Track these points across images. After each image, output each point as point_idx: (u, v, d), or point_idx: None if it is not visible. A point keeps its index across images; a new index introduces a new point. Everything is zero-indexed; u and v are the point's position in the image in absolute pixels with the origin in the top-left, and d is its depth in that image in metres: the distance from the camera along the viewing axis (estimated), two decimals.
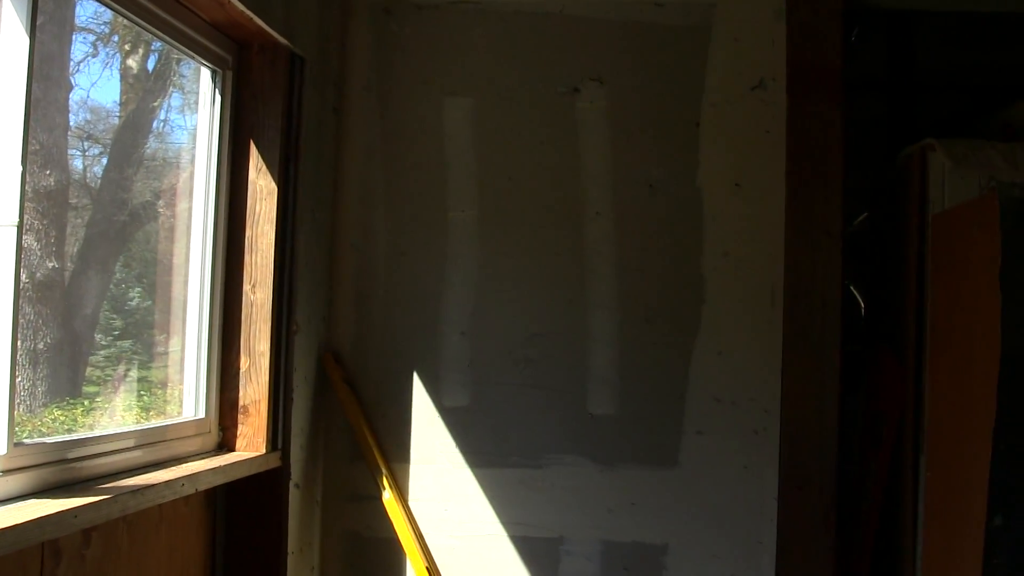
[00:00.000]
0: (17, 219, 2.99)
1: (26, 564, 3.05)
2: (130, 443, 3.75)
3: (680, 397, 5.04)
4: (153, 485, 3.48)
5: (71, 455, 3.38)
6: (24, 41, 3.03)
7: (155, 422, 4.22)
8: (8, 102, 3.03)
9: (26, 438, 3.21)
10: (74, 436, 3.58)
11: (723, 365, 5.04)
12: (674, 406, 5.04)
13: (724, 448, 5.01)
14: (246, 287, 4.41)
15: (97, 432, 3.78)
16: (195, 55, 4.19)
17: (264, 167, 4.40)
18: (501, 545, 5.07)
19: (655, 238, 5.09)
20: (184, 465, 3.93)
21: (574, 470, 5.06)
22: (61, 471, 3.30)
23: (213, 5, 3.97)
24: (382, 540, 5.07)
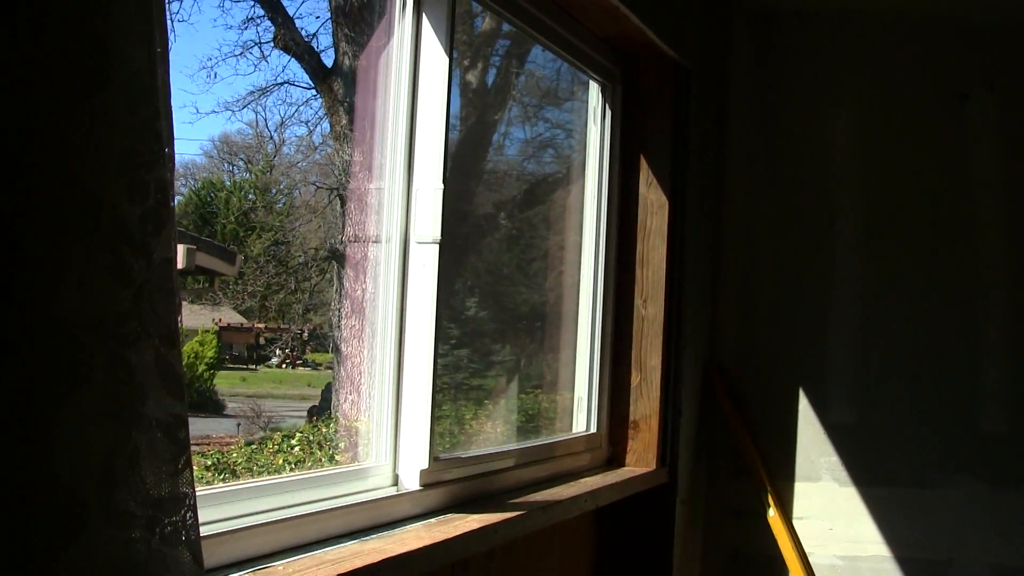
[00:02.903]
0: (439, 236, 3.04)
1: None
2: (526, 458, 3.77)
3: None
4: (560, 501, 3.49)
5: (477, 470, 3.41)
6: (443, 61, 3.07)
7: (548, 437, 4.26)
8: (431, 125, 3.08)
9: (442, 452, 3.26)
10: (479, 451, 3.64)
11: None
12: None
13: None
14: (637, 302, 4.39)
15: (498, 447, 3.83)
16: (586, 68, 4.20)
17: (654, 181, 4.37)
18: (886, 566, 4.90)
19: None
20: (583, 480, 3.94)
21: (963, 490, 4.83)
22: (469, 486, 3.34)
23: (607, 19, 3.96)
24: (764, 557, 4.96)
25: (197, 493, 2.33)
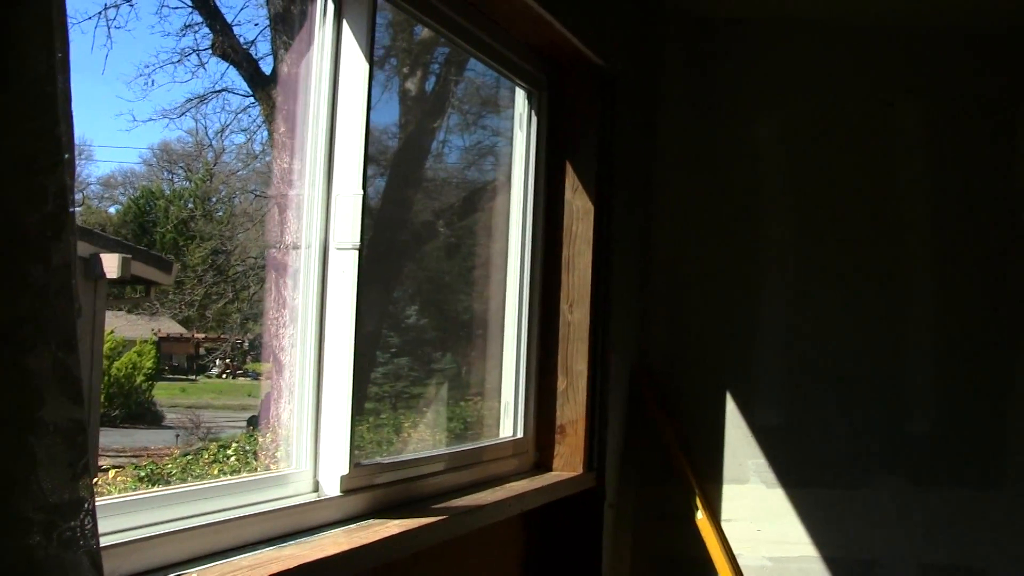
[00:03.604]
0: (359, 242, 3.04)
1: None
2: (453, 463, 3.78)
3: (1002, 415, 4.83)
4: (484, 506, 3.50)
5: (401, 475, 3.42)
6: (364, 67, 3.08)
7: (475, 442, 4.27)
8: (351, 131, 3.09)
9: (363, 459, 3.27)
10: (403, 456, 3.65)
11: None
12: (995, 425, 4.83)
13: None
14: (563, 307, 4.41)
15: (423, 453, 3.84)
16: (512, 76, 4.21)
17: (580, 187, 4.39)
18: (814, 567, 4.94)
19: (974, 253, 4.89)
20: (509, 485, 3.94)
21: (890, 490, 4.90)
22: (392, 491, 3.34)
23: (532, 26, 3.98)
24: (693, 560, 4.99)
25: (113, 500, 2.33)
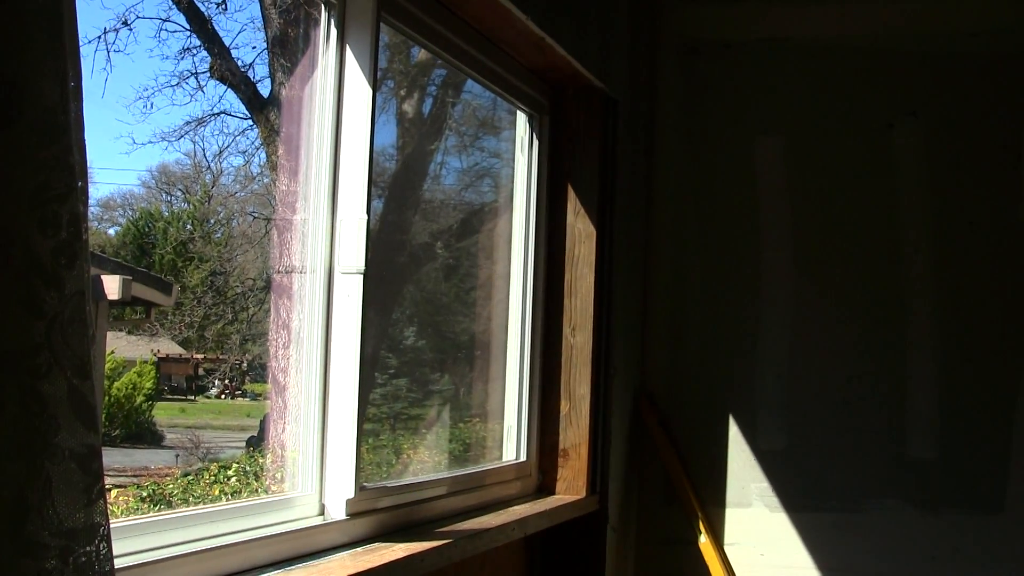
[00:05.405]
0: (364, 266, 3.06)
1: None
2: (456, 487, 3.79)
3: (1006, 439, 4.82)
4: (487, 529, 3.50)
5: (405, 499, 3.42)
6: (367, 93, 3.10)
7: (478, 466, 4.27)
8: (355, 156, 3.11)
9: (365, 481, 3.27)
10: (407, 480, 3.65)
11: None
12: (998, 449, 4.82)
13: None
14: (566, 331, 4.42)
15: (427, 476, 3.84)
16: (513, 100, 4.23)
17: (582, 210, 4.41)
18: None
19: (976, 275, 4.89)
20: (511, 509, 3.95)
21: (893, 515, 4.89)
22: (397, 515, 3.34)
23: (533, 50, 4.00)
24: None
25: (120, 523, 2.33)
